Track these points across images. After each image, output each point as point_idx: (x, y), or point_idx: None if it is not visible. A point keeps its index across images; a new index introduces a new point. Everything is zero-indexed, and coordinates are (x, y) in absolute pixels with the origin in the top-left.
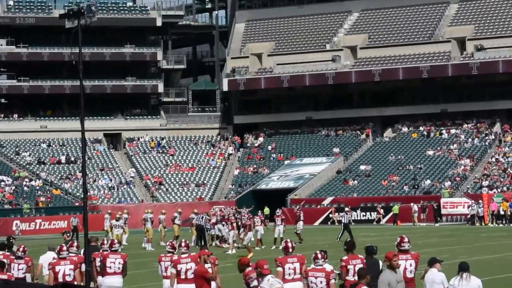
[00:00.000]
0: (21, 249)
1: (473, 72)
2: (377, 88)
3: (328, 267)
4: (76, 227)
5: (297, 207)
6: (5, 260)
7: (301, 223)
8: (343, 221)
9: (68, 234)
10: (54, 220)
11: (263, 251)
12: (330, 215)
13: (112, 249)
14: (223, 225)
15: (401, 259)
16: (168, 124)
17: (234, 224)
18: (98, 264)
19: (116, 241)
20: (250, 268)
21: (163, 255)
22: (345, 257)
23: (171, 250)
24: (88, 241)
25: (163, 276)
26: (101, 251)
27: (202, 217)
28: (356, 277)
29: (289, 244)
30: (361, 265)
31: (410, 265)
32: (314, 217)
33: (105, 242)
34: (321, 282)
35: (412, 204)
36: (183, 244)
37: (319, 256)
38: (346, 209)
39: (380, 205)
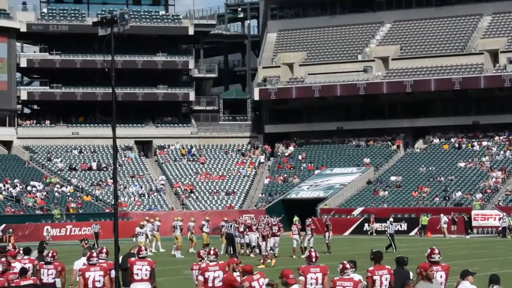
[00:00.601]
0: (50, 254)
1: (506, 85)
2: (408, 99)
3: (356, 277)
4: (97, 234)
5: (326, 217)
6: (29, 265)
7: (330, 233)
8: (388, 231)
9: (86, 242)
10: (84, 226)
11: (292, 260)
12: (370, 225)
13: (140, 256)
14: (247, 234)
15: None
16: (199, 132)
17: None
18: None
19: (143, 247)
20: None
21: (194, 263)
22: (371, 268)
23: (199, 259)
24: (118, 248)
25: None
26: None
27: (231, 225)
28: None
29: (313, 254)
30: (388, 276)
31: (441, 276)
32: (344, 227)
33: (142, 249)
34: None
35: (441, 215)
36: (212, 252)
37: (347, 266)
38: (391, 219)
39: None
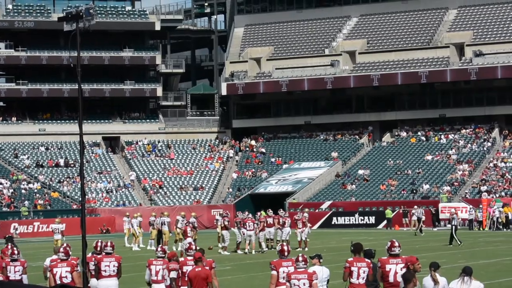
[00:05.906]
0: (16, 251)
1: (472, 78)
2: (375, 92)
3: (311, 269)
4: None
5: (306, 211)
6: None
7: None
8: (453, 223)
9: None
10: (52, 223)
11: (265, 253)
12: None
13: (106, 251)
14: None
15: (391, 263)
16: (167, 128)
17: (254, 226)
18: (92, 267)
19: (109, 243)
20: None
21: (153, 259)
22: (350, 259)
23: (162, 255)
24: (85, 244)
25: (152, 280)
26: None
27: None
28: (360, 280)
29: (285, 248)
30: (367, 269)
31: (401, 269)
32: (313, 221)
33: (108, 244)
34: (304, 284)
35: (415, 207)
36: (193, 247)
37: (300, 259)
38: (453, 210)
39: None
